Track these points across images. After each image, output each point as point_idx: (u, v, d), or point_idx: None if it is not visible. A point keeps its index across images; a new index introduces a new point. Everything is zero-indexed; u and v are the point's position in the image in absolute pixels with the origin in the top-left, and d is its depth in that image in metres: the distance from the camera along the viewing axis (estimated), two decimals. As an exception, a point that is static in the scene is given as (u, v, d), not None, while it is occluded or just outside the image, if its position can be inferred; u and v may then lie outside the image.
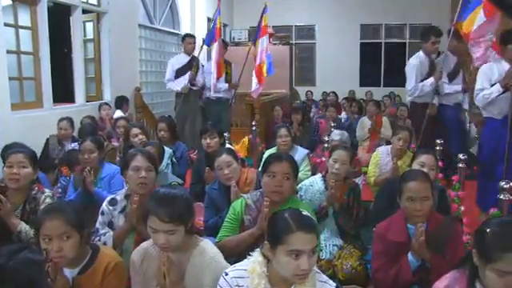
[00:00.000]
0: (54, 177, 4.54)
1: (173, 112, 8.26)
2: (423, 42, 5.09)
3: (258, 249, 1.83)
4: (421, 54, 5.08)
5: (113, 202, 2.58)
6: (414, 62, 5.05)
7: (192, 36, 6.86)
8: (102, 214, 2.56)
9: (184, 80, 6.49)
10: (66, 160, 4.06)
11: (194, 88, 6.64)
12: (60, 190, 3.78)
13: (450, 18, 11.73)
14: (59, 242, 1.81)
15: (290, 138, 4.26)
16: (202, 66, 6.91)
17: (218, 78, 6.49)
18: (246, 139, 6.83)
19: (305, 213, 1.75)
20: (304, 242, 1.63)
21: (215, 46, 6.53)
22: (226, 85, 6.82)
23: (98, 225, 2.54)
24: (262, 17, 6.87)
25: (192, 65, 6.54)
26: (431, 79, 4.90)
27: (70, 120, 4.91)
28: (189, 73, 6.48)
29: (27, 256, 1.41)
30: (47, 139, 4.82)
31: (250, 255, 1.85)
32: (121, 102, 6.50)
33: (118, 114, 6.20)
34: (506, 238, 1.56)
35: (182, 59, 6.67)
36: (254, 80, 6.58)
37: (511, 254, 1.52)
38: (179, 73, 6.55)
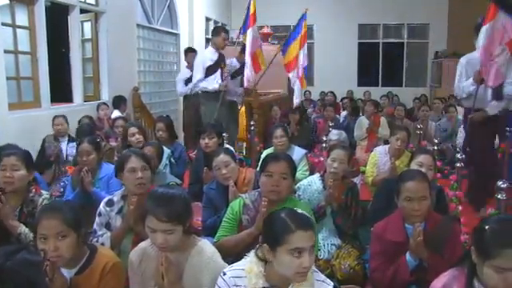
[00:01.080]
0: (51, 175, 4.55)
1: (171, 112, 8.29)
2: (475, 38, 4.45)
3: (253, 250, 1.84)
4: (474, 52, 4.40)
5: (110, 203, 2.59)
6: (461, 61, 4.51)
7: (227, 30, 6.16)
8: (100, 215, 2.56)
9: (215, 78, 5.77)
10: (74, 161, 4.07)
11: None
12: (62, 189, 3.79)
13: (448, 17, 11.80)
14: (55, 241, 1.81)
15: (285, 139, 4.24)
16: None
17: (256, 72, 5.88)
18: (242, 110, 6.75)
19: (299, 211, 1.77)
20: (304, 239, 1.65)
21: (249, 35, 5.73)
22: (241, 89, 6.27)
23: (95, 226, 2.55)
24: (301, 22, 6.34)
25: (221, 62, 5.86)
26: (470, 79, 4.28)
27: (65, 117, 4.96)
28: (219, 71, 5.79)
29: (25, 257, 1.41)
30: (43, 139, 4.84)
31: (246, 255, 1.85)
32: (118, 101, 6.49)
33: (116, 113, 6.19)
34: (505, 235, 1.57)
35: (212, 55, 5.87)
36: (298, 87, 6.26)
37: (510, 250, 1.53)
38: (209, 71, 5.79)
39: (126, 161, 2.54)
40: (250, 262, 1.80)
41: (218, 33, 5.93)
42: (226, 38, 5.90)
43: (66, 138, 4.89)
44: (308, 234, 1.67)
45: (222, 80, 5.78)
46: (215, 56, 5.85)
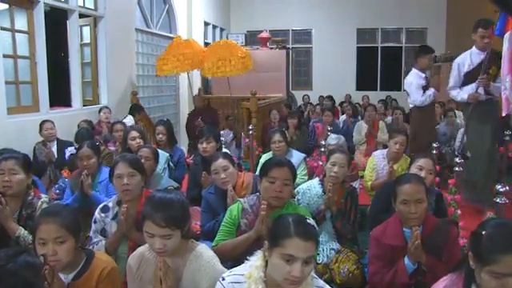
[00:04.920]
0: (47, 180, 4.56)
1: (170, 116, 8.29)
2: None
3: (260, 251, 1.80)
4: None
5: (104, 209, 2.58)
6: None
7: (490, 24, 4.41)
8: (95, 222, 2.56)
9: (476, 87, 4.44)
10: (69, 164, 4.07)
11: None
12: (58, 191, 3.81)
13: (446, 22, 11.84)
14: (54, 245, 1.81)
15: (283, 144, 4.23)
16: None
17: None
18: None
19: (310, 221, 1.72)
20: (299, 248, 1.61)
21: (506, 41, 4.01)
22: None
23: (91, 233, 2.54)
24: None
25: (485, 65, 4.37)
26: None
27: (52, 122, 4.98)
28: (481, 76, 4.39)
29: (26, 259, 1.42)
30: (34, 148, 4.87)
31: (247, 260, 1.83)
32: (134, 110, 6.50)
33: (129, 119, 6.19)
34: (502, 240, 1.55)
35: (474, 58, 4.53)
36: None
37: (507, 255, 1.51)
38: (469, 78, 4.54)
39: (114, 166, 2.55)
40: (250, 267, 1.77)
41: (480, 27, 4.49)
42: (486, 36, 4.39)
43: (55, 142, 4.92)
44: (305, 245, 1.61)
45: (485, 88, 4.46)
46: (478, 58, 4.49)
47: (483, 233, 1.60)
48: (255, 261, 1.78)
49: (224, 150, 4.05)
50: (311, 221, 1.74)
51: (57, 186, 3.94)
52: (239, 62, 7.31)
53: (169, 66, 7.34)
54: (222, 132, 7.13)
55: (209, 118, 7.15)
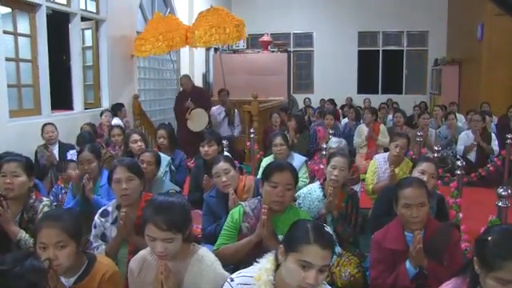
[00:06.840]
0: (49, 184, 4.57)
1: (171, 120, 8.27)
2: None
3: (271, 253, 1.79)
4: None
5: (104, 214, 2.58)
6: None
7: None
8: (95, 227, 2.56)
9: None
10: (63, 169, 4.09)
11: None
12: (52, 197, 3.81)
13: (447, 25, 11.85)
14: (54, 250, 1.81)
15: (285, 147, 4.23)
16: None
17: None
18: None
19: (328, 229, 1.72)
20: (317, 256, 1.60)
21: None
22: None
23: (91, 238, 2.54)
24: None
25: None
26: None
27: (54, 125, 4.98)
28: None
29: (32, 263, 1.44)
30: (36, 151, 4.87)
31: (257, 262, 1.81)
32: (115, 109, 6.49)
33: (116, 121, 6.18)
34: (507, 247, 1.55)
35: None
36: None
37: None
38: None
39: (113, 171, 2.54)
40: (259, 270, 1.76)
41: None
42: None
43: (57, 145, 4.92)
44: (323, 253, 1.61)
45: None
46: None
47: (489, 239, 1.60)
48: (265, 263, 1.77)
49: (225, 153, 4.06)
50: (329, 229, 1.73)
51: (51, 192, 3.96)
52: (234, 31, 6.89)
53: (147, 47, 6.78)
54: (213, 108, 7.01)
55: (198, 99, 6.91)
